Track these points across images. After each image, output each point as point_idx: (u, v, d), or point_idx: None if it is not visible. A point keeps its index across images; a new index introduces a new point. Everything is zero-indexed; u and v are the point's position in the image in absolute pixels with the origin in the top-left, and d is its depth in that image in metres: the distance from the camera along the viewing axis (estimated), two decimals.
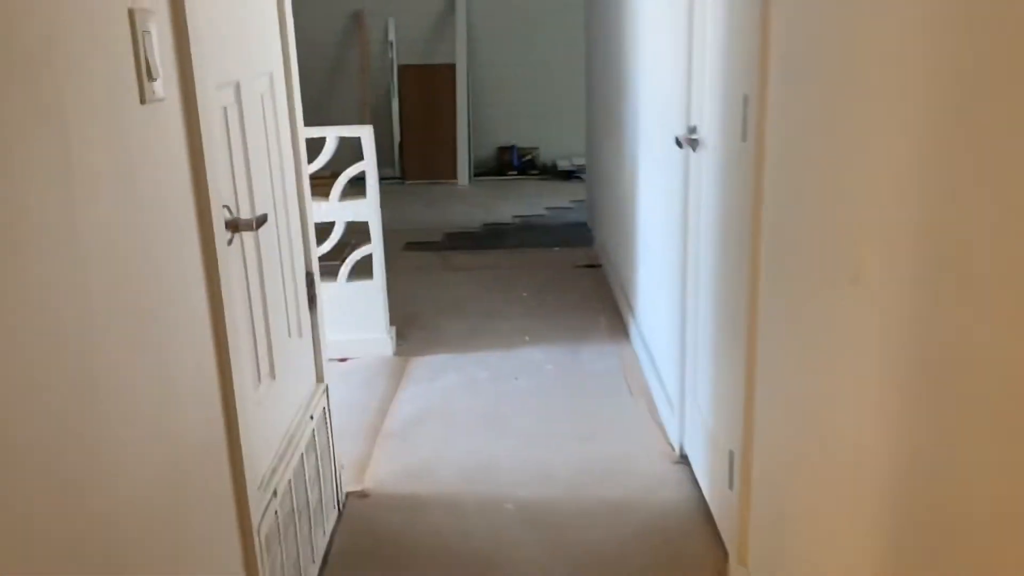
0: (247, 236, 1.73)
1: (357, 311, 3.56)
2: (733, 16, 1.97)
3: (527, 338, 3.76)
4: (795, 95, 1.55)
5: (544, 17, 7.31)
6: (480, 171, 7.50)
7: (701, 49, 2.32)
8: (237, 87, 1.75)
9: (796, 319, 1.57)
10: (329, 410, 2.37)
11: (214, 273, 1.49)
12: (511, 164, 7.46)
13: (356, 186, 3.52)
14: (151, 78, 1.25)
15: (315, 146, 3.41)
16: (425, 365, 3.50)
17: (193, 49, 1.40)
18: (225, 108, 1.67)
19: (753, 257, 1.82)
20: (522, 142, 7.56)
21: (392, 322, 3.70)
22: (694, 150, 2.40)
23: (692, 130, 2.40)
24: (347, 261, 3.52)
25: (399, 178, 7.41)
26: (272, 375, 1.92)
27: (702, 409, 2.44)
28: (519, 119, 7.55)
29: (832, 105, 1.36)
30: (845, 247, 1.31)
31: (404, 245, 5.26)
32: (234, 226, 1.64)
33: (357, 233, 3.57)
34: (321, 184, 3.41)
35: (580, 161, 7.28)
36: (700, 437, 2.43)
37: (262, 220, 1.73)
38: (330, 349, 3.54)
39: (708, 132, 2.27)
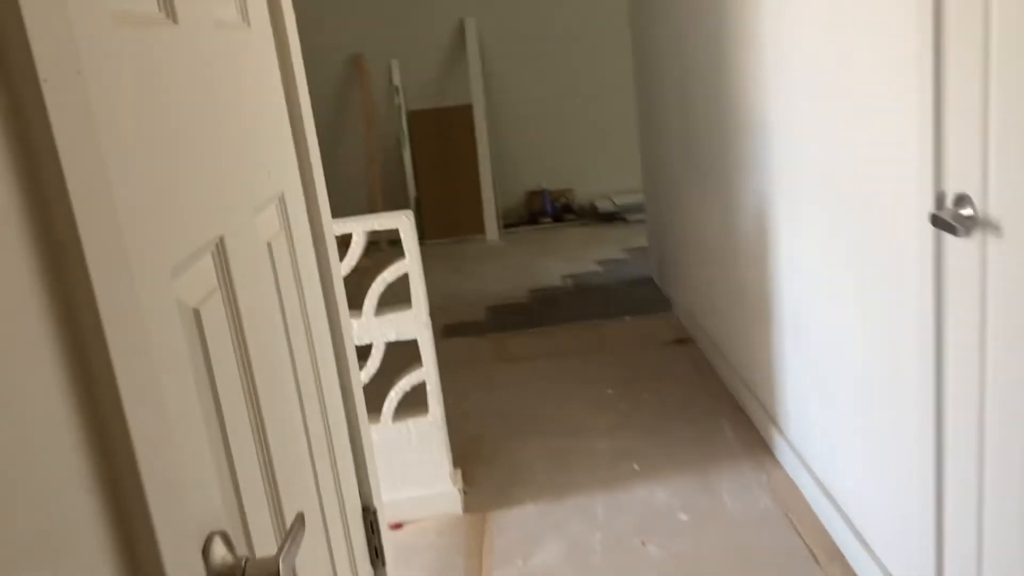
0: None
1: (410, 459, 2.64)
2: None
3: (636, 466, 2.83)
4: None
5: (570, 43, 6.44)
6: (509, 221, 6.59)
7: (974, 68, 1.40)
8: (220, 248, 0.84)
9: None
10: None
11: None
12: (544, 210, 6.55)
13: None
14: None
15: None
16: (510, 526, 2.57)
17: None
18: (195, 310, 0.76)
19: None
20: (553, 184, 6.66)
21: (452, 460, 2.78)
22: (965, 234, 1.48)
23: (960, 201, 1.49)
24: (391, 395, 2.60)
25: (418, 239, 6.49)
26: None
27: None
28: (547, 159, 6.65)
29: None
30: None
31: (442, 330, 4.34)
32: None
33: (396, 353, 2.65)
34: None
35: (624, 200, 6.39)
36: None
37: (296, 530, 0.80)
38: None
39: (1013, 209, 1.35)
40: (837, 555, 2.23)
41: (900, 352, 1.80)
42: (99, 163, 0.57)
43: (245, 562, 0.73)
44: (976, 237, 1.47)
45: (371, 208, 6.45)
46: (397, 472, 2.64)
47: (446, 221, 6.47)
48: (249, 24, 1.05)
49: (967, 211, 1.47)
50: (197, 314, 0.76)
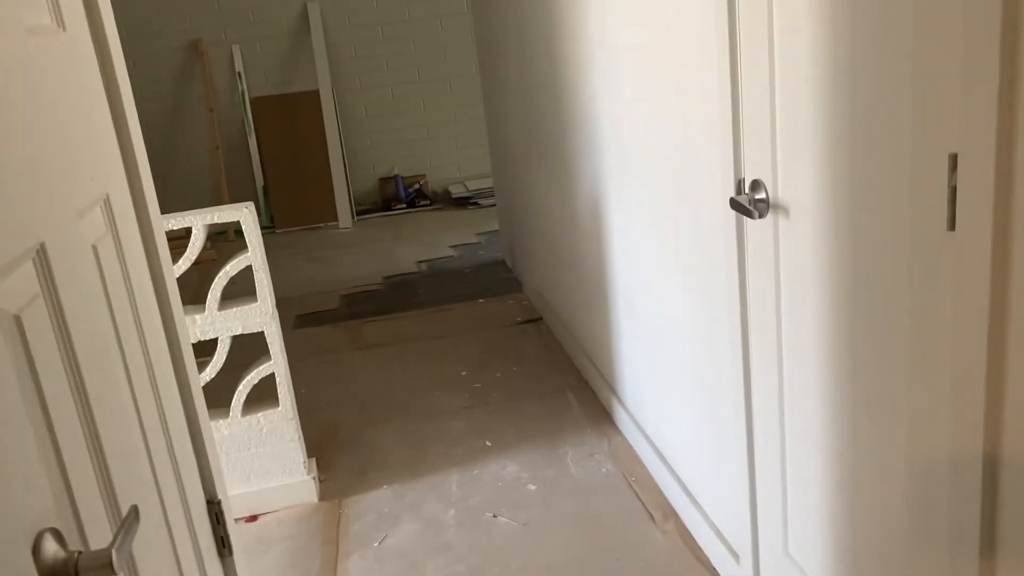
0: None
1: (263, 451, 2.64)
2: (887, 19, 1.22)
3: (487, 442, 2.94)
4: None
5: (415, 28, 6.45)
6: (363, 209, 6.56)
7: (763, 70, 1.57)
8: (41, 254, 0.86)
9: None
10: None
11: None
12: (397, 196, 6.56)
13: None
14: None
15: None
16: (366, 511, 2.62)
17: None
18: (16, 316, 0.78)
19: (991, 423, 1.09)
20: (406, 170, 6.68)
21: (308, 450, 2.80)
22: (760, 216, 1.65)
23: (755, 187, 1.65)
24: (240, 389, 2.59)
25: (268, 227, 6.38)
26: None
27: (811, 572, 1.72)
28: (399, 145, 6.67)
29: None
30: None
31: (295, 321, 4.32)
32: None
33: (243, 346, 2.65)
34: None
35: (476, 185, 6.49)
36: None
37: (130, 522, 0.84)
38: (234, 508, 2.64)
39: (796, 193, 1.53)
40: (672, 513, 2.42)
41: (716, 325, 1.98)
42: None
43: (78, 555, 0.76)
44: (769, 218, 1.64)
45: (217, 198, 6.27)
46: (250, 465, 2.64)
47: (297, 209, 6.38)
48: (64, 28, 1.06)
49: (761, 195, 1.65)
50: (18, 320, 0.78)
